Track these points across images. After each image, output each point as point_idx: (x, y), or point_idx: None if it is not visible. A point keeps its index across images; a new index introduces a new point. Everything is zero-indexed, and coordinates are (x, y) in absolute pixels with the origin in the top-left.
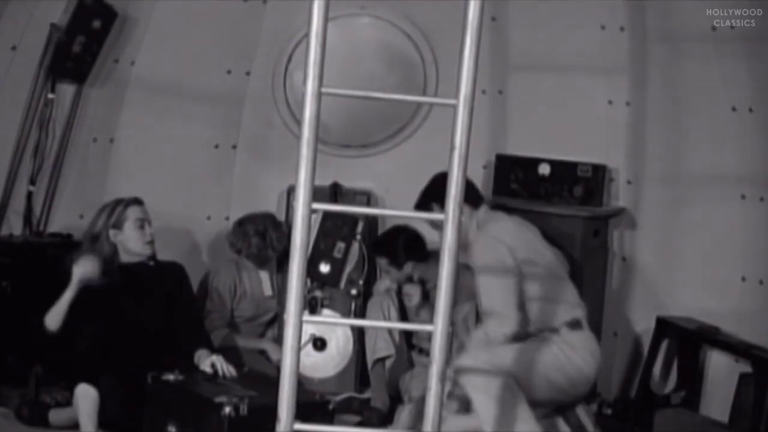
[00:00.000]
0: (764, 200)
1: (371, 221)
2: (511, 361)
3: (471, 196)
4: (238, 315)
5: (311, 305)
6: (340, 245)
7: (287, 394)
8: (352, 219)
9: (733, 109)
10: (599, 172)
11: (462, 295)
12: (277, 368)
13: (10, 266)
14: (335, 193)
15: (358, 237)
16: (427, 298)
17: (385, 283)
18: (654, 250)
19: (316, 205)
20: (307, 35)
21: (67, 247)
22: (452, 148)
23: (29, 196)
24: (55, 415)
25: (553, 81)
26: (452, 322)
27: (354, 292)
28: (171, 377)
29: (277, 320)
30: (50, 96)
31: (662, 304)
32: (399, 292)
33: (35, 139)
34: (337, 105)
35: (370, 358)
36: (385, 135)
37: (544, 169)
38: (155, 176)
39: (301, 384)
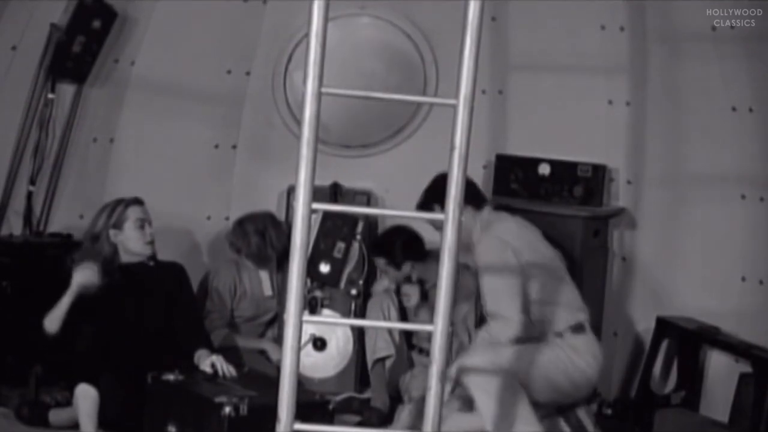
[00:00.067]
0: (764, 200)
1: (371, 221)
2: (515, 362)
3: (473, 197)
4: (238, 315)
5: (311, 305)
6: (340, 245)
7: (287, 394)
8: (352, 219)
9: (733, 109)
10: (599, 172)
11: (461, 295)
12: (277, 368)
13: (10, 266)
14: (335, 193)
15: (358, 237)
16: (426, 298)
17: (383, 284)
18: (654, 250)
19: (316, 205)
20: (307, 35)
21: (67, 247)
22: (452, 148)
23: (29, 196)
24: (55, 415)
25: (553, 81)
26: (452, 322)
27: (354, 292)
28: (171, 377)
29: (277, 320)
30: (50, 96)
31: (662, 304)
32: (398, 292)
33: (35, 139)
34: (337, 105)
35: (370, 358)
36: (385, 135)
37: (544, 169)
38: (155, 176)
39: (301, 384)
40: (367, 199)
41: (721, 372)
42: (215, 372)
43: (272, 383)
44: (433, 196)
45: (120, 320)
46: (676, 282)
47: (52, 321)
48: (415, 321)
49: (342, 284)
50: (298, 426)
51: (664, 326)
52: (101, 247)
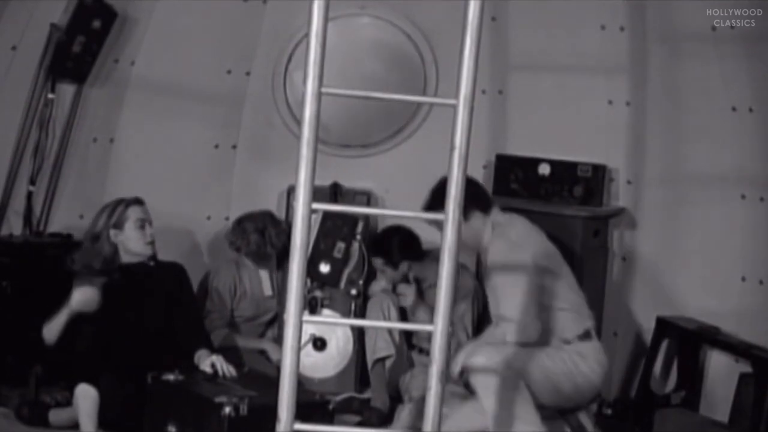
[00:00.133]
0: (764, 200)
1: (368, 221)
2: (522, 364)
3: (481, 200)
4: (238, 315)
5: (311, 305)
6: (340, 245)
7: (287, 394)
8: (352, 219)
9: (733, 109)
10: (599, 172)
11: (459, 295)
12: (277, 368)
13: (10, 266)
14: (335, 193)
15: (358, 237)
16: (422, 298)
17: (380, 285)
18: (654, 250)
19: (316, 205)
20: (307, 35)
21: (67, 247)
22: (452, 148)
23: (29, 196)
24: (55, 415)
25: (553, 81)
26: (451, 322)
27: (354, 292)
28: (171, 377)
29: (277, 320)
30: (50, 96)
31: (662, 304)
32: (394, 292)
33: (35, 139)
34: (337, 105)
35: (370, 358)
36: (385, 135)
37: (544, 169)
38: (155, 176)
39: (301, 384)
40: (367, 199)
41: (721, 372)
42: (215, 372)
43: (272, 383)
44: (441, 198)
45: (120, 320)
46: (676, 282)
47: (51, 331)
48: (413, 320)
49: (342, 284)
50: (298, 426)
51: (664, 326)
52: (101, 247)
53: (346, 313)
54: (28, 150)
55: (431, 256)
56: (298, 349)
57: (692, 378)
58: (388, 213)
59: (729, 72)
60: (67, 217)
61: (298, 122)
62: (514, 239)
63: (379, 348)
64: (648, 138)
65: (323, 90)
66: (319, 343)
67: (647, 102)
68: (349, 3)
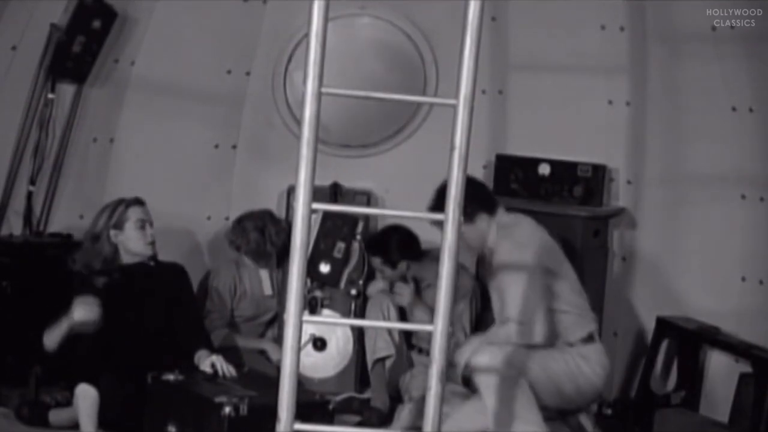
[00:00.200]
0: (764, 200)
1: (368, 221)
2: (526, 364)
3: (486, 202)
4: (238, 315)
5: (311, 305)
6: (340, 245)
7: (287, 394)
8: (352, 219)
9: (733, 109)
10: (599, 172)
11: (458, 295)
12: (277, 368)
13: (10, 266)
14: (335, 193)
15: (358, 237)
16: (420, 298)
17: (377, 285)
18: (654, 250)
19: (316, 205)
20: (307, 35)
21: (67, 247)
22: (452, 148)
23: (29, 196)
24: (55, 415)
25: (553, 81)
26: (451, 323)
27: (354, 292)
28: (171, 377)
29: (277, 320)
30: (50, 96)
31: (662, 304)
32: (392, 292)
33: (35, 139)
34: (337, 105)
35: (370, 359)
36: (385, 135)
37: (544, 169)
38: (155, 176)
39: (301, 384)
40: (367, 199)
41: (721, 372)
42: (215, 372)
43: (272, 383)
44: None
45: (120, 320)
46: (676, 282)
47: (51, 339)
48: (411, 320)
49: (342, 284)
50: (298, 426)
51: (664, 326)
52: (102, 248)
53: (346, 313)
54: (28, 150)
55: (430, 255)
56: (298, 349)
57: (692, 378)
58: (388, 213)
59: (729, 72)
60: (67, 217)
61: (298, 122)
62: (521, 240)
63: (379, 348)
64: (648, 138)
65: (323, 90)
66: (319, 343)
67: (647, 102)
68: (349, 3)
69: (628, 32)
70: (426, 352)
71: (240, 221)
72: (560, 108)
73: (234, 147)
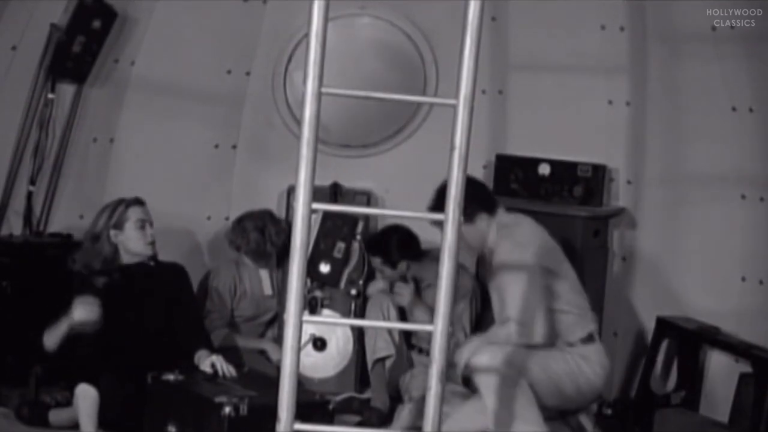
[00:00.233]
0: (764, 200)
1: (368, 221)
2: (526, 364)
3: (486, 202)
4: (238, 315)
5: (311, 305)
6: (340, 245)
7: (287, 394)
8: (352, 219)
9: (733, 109)
10: (599, 172)
11: (458, 294)
12: (277, 368)
13: (10, 266)
14: (335, 193)
15: (358, 237)
16: (420, 297)
17: (377, 285)
18: (654, 251)
19: (316, 205)
20: (307, 35)
21: (67, 247)
22: (452, 148)
23: (29, 196)
24: (55, 415)
25: (553, 81)
26: (451, 323)
27: (354, 292)
28: (171, 377)
29: (277, 320)
30: (50, 96)
31: (662, 304)
32: (392, 291)
33: (35, 139)
34: (337, 105)
35: (370, 358)
36: (385, 135)
37: (544, 169)
38: (155, 176)
39: (301, 384)
40: (367, 199)
41: (721, 372)
42: (215, 372)
43: (272, 383)
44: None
45: (120, 321)
46: (676, 282)
47: (51, 339)
48: (411, 320)
49: (342, 284)
50: (298, 426)
51: (664, 326)
52: (102, 248)
53: (346, 313)
54: (28, 150)
55: (430, 255)
56: (298, 349)
57: (692, 378)
58: (388, 213)
59: (729, 72)
60: (67, 217)
61: (298, 122)
62: (521, 240)
63: (379, 348)
64: (648, 138)
65: (323, 90)
66: (319, 343)
67: (647, 102)
68: (349, 3)
69: (628, 32)
70: (426, 352)
71: (240, 221)
72: (560, 108)
73: (234, 147)
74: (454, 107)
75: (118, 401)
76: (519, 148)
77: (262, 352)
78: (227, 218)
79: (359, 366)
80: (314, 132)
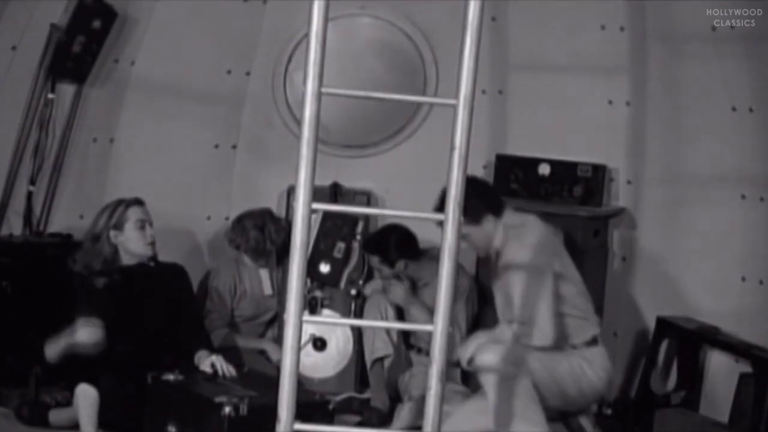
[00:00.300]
0: (764, 200)
1: (368, 221)
2: (531, 365)
3: (493, 204)
4: (238, 314)
5: (311, 305)
6: (340, 245)
7: (287, 394)
8: (352, 219)
9: (733, 109)
10: (599, 172)
11: (457, 294)
12: (277, 368)
13: (10, 266)
14: (335, 193)
15: (358, 237)
16: (416, 296)
17: (374, 285)
18: (654, 250)
19: (316, 205)
20: (307, 35)
21: (67, 247)
22: (452, 148)
23: (29, 196)
24: (55, 415)
25: (553, 81)
26: (450, 323)
27: (354, 292)
28: (171, 377)
29: (277, 320)
30: (50, 96)
31: (662, 304)
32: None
33: (35, 139)
34: (337, 105)
35: (368, 358)
36: (385, 135)
37: (544, 169)
38: (155, 176)
39: (301, 384)
40: (367, 199)
41: (721, 372)
42: (215, 372)
43: (272, 383)
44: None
45: (120, 321)
46: (676, 282)
47: (52, 352)
48: (407, 319)
49: (342, 284)
50: (298, 426)
51: (664, 326)
52: (102, 248)
53: (346, 313)
54: (28, 150)
55: (428, 255)
56: (298, 349)
57: (692, 378)
58: (388, 213)
59: (729, 72)
60: (67, 217)
61: (298, 122)
62: (530, 241)
63: (377, 348)
64: (648, 138)
65: (323, 90)
66: (319, 343)
67: (647, 102)
68: (349, 3)
69: (628, 32)
70: (425, 351)
71: (240, 220)
72: (560, 108)
73: (234, 147)
74: (454, 107)
75: (118, 401)
76: (519, 148)
77: (262, 352)
78: (227, 218)
79: (359, 366)
80: (314, 132)
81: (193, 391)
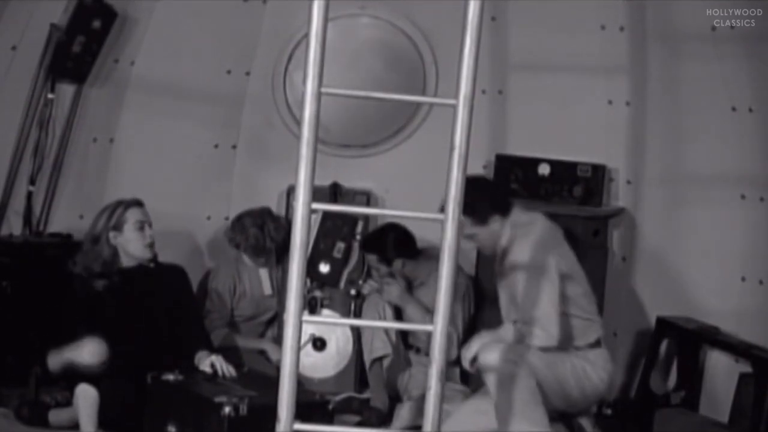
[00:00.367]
0: (764, 200)
1: (367, 221)
2: (534, 365)
3: (501, 204)
4: (238, 314)
5: (311, 305)
6: (340, 245)
7: (287, 394)
8: (352, 219)
9: (733, 109)
10: (599, 172)
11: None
12: (277, 368)
13: (10, 266)
14: (335, 193)
15: (358, 237)
16: (411, 295)
17: (371, 285)
18: (654, 250)
19: (316, 205)
20: (307, 35)
21: (67, 247)
22: (452, 148)
23: (29, 196)
24: (55, 415)
25: (553, 81)
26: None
27: (353, 292)
28: (171, 377)
29: (276, 320)
30: (50, 96)
31: (662, 304)
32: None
33: (35, 139)
34: (337, 105)
35: (367, 358)
36: (385, 135)
37: (544, 169)
38: (155, 176)
39: (301, 384)
40: (367, 199)
41: (721, 372)
42: (215, 372)
43: (272, 383)
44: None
45: (120, 322)
46: (676, 282)
47: (54, 364)
48: (404, 319)
49: (342, 284)
50: (297, 426)
51: (664, 326)
52: (101, 250)
53: (345, 314)
54: (28, 150)
55: (425, 254)
56: (298, 349)
57: (692, 378)
58: (388, 213)
59: (729, 72)
60: (67, 217)
61: (298, 122)
62: (538, 240)
63: (376, 348)
64: (648, 138)
65: (323, 90)
66: (319, 343)
67: (647, 102)
68: (349, 3)
69: (628, 32)
70: (424, 351)
71: (239, 218)
72: (560, 108)
73: (234, 147)
74: (454, 107)
75: (118, 401)
76: (519, 148)
77: (262, 352)
78: (227, 218)
79: (359, 366)
80: (314, 132)
81: (193, 391)
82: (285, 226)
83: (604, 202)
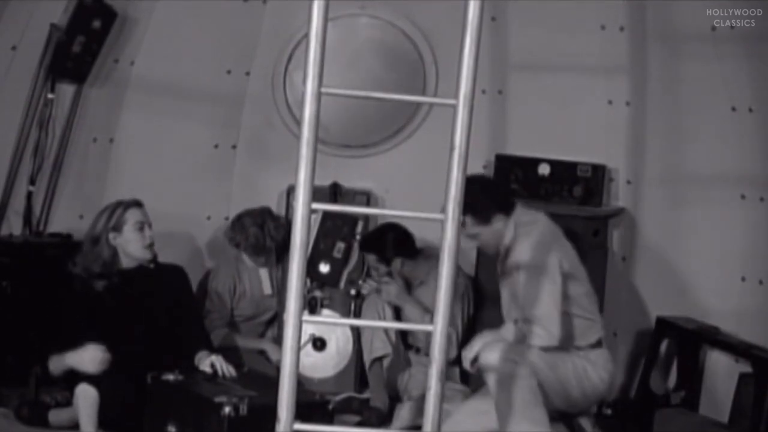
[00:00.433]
0: (764, 200)
1: (367, 221)
2: (535, 365)
3: (504, 204)
4: (238, 314)
5: (311, 305)
6: (340, 245)
7: (287, 394)
8: (352, 219)
9: (733, 109)
10: (599, 172)
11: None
12: (277, 368)
13: (10, 266)
14: (335, 193)
15: (358, 237)
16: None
17: (370, 285)
18: (654, 250)
19: (315, 205)
20: (307, 35)
21: (67, 247)
22: (452, 148)
23: (29, 196)
24: (55, 415)
25: (553, 81)
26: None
27: (353, 292)
28: (171, 377)
29: (276, 320)
30: (50, 96)
31: (662, 304)
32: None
33: (35, 139)
34: (337, 105)
35: (367, 358)
36: (385, 135)
37: (544, 169)
38: (155, 176)
39: (301, 384)
40: (367, 199)
41: (721, 372)
42: (215, 372)
43: (272, 383)
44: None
45: (120, 322)
46: (676, 282)
47: (56, 367)
48: (403, 318)
49: (342, 284)
50: (297, 426)
51: (664, 326)
52: (101, 251)
53: (345, 314)
54: (28, 150)
55: (424, 254)
56: (298, 349)
57: (692, 378)
58: (388, 213)
59: (729, 72)
60: (67, 217)
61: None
62: (540, 240)
63: (376, 348)
64: (648, 138)
65: (323, 90)
66: (319, 343)
67: (647, 102)
68: (349, 3)
69: (628, 32)
70: (424, 351)
71: (239, 218)
72: (560, 108)
73: (234, 147)
74: (454, 107)
75: (118, 401)
76: (519, 148)
77: (262, 352)
78: (227, 218)
79: (359, 366)
80: (314, 132)
81: (193, 391)
82: (285, 225)
83: (604, 202)
